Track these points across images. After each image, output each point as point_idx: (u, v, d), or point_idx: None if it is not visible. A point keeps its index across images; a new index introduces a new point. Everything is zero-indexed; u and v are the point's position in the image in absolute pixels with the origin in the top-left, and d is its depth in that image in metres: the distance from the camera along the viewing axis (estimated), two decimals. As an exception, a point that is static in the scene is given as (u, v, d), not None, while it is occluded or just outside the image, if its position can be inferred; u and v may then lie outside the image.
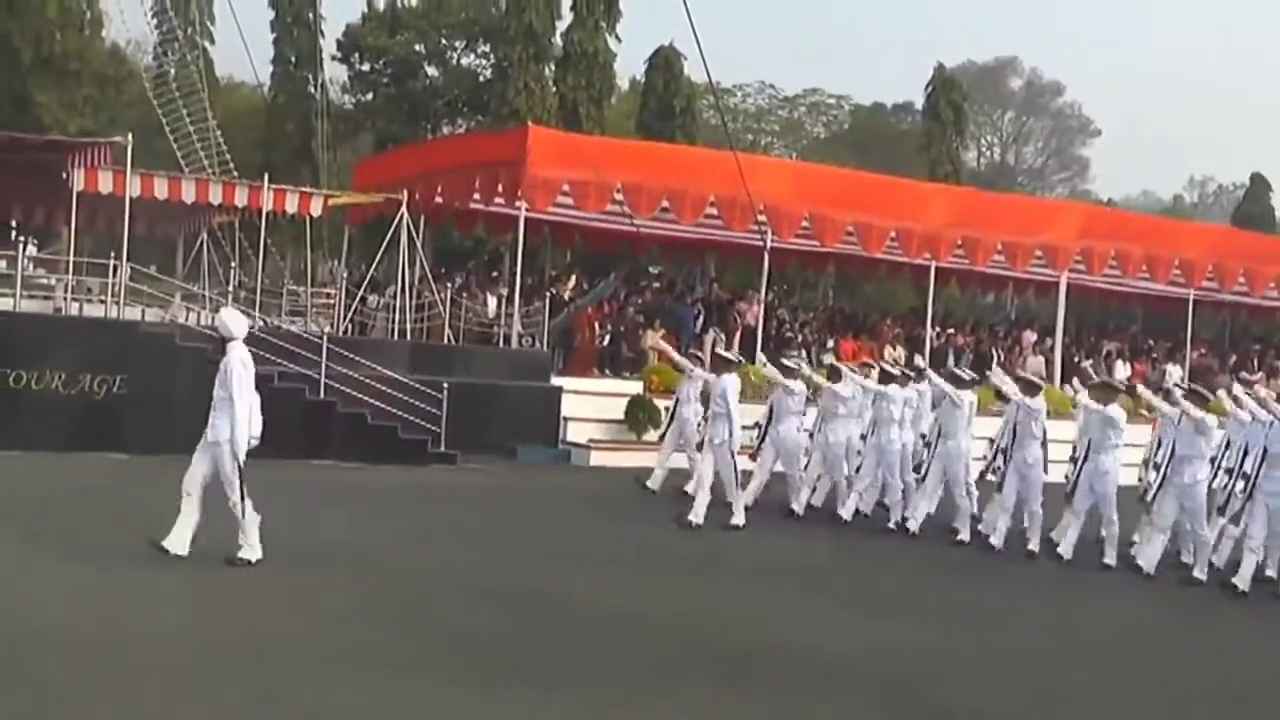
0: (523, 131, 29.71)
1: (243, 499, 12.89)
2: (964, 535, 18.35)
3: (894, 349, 32.62)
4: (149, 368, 22.30)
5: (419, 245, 28.62)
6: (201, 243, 30.21)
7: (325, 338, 23.64)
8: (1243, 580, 15.62)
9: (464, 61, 56.15)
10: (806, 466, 20.06)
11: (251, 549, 12.93)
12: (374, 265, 30.05)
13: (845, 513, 19.25)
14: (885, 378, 20.16)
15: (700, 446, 19.64)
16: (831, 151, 64.35)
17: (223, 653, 9.86)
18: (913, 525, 18.86)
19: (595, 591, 13.08)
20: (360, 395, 23.05)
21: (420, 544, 15.43)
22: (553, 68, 48.03)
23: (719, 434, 18.02)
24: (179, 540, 12.86)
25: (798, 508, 19.50)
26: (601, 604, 12.58)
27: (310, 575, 13.03)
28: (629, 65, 56.07)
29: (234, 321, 13.54)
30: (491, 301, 29.96)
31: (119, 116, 43.55)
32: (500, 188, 28.94)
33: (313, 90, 47.80)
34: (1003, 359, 34.29)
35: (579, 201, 28.32)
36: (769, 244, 30.31)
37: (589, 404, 26.06)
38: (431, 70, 55.68)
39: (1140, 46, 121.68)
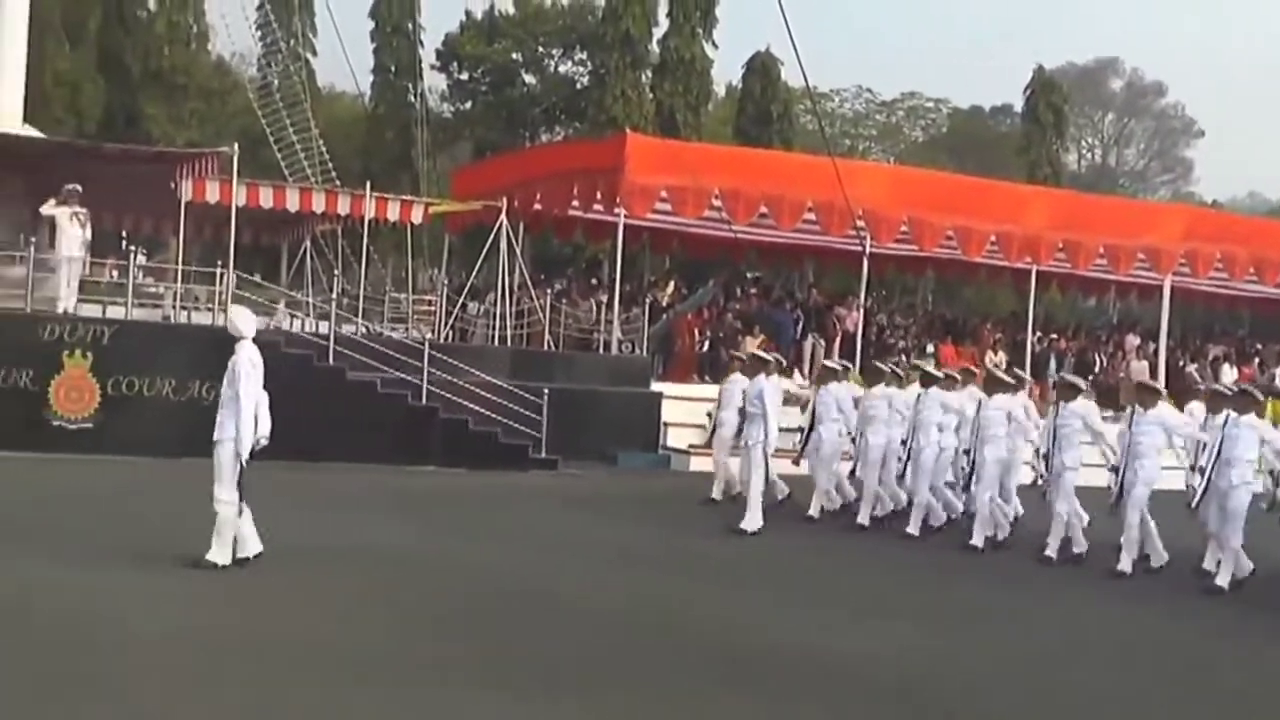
0: (621, 138, 29.83)
1: (241, 499, 12.83)
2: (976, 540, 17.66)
3: (995, 354, 32.36)
4: (255, 374, 22.66)
5: (518, 252, 28.84)
6: (305, 251, 30.61)
7: (427, 344, 23.89)
8: None
9: (561, 69, 56.53)
10: (853, 472, 19.81)
11: (221, 553, 12.75)
12: (474, 272, 30.32)
13: (861, 517, 18.95)
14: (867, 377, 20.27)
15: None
16: (930, 155, 63.98)
17: (272, 654, 9.99)
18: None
19: (651, 598, 13.06)
20: (461, 401, 23.27)
21: (495, 547, 15.50)
22: (650, 74, 48.19)
23: (755, 435, 17.91)
24: (246, 540, 12.95)
25: (814, 512, 19.28)
26: (655, 610, 12.52)
27: (382, 578, 13.22)
28: (726, 71, 56.16)
29: (243, 320, 13.60)
30: (591, 308, 30.13)
31: (225, 128, 44.25)
32: (599, 194, 29.07)
33: (412, 99, 48.28)
34: (1105, 364, 33.96)
35: (677, 207, 28.40)
36: (868, 249, 30.21)
37: (689, 409, 26.07)
38: (529, 78, 56.07)
39: (1244, 45, 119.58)
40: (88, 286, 23.98)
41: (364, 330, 25.11)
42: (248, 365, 13.23)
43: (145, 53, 46.07)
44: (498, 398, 23.17)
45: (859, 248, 30.34)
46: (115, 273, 26.06)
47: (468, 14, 56.06)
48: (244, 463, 13.00)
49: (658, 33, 48.12)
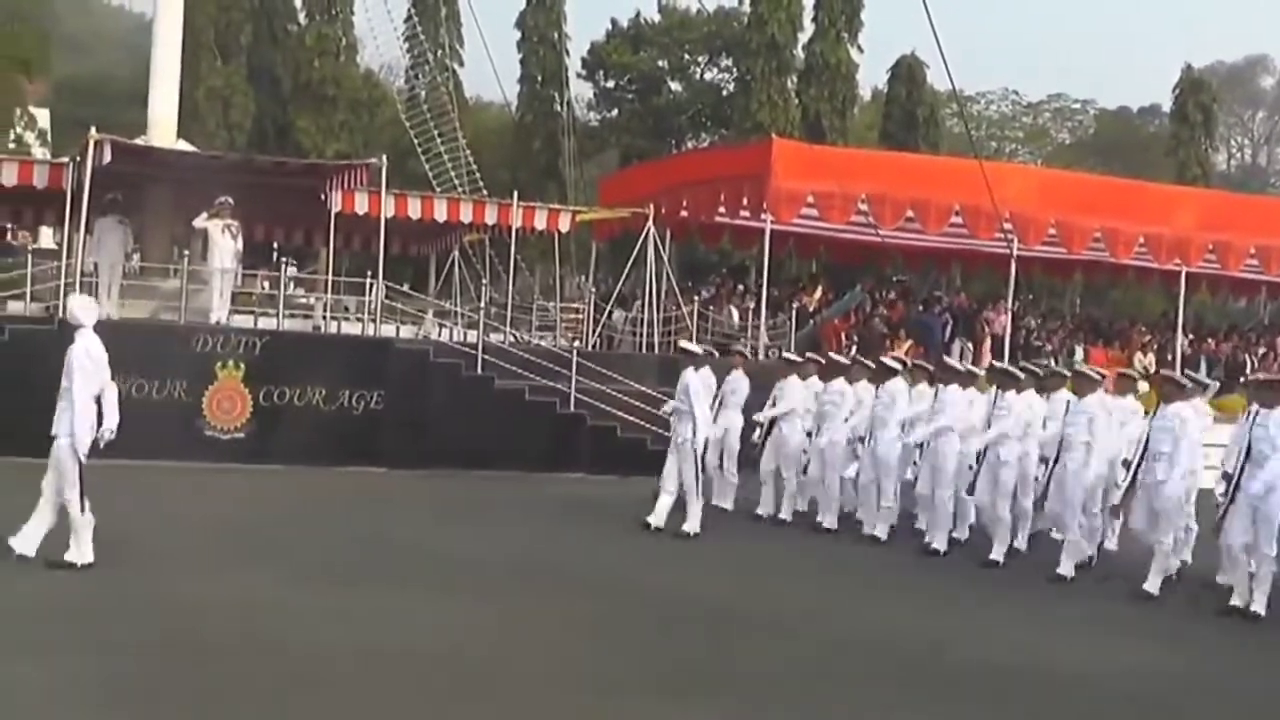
0: (767, 144, 29.62)
1: (81, 498, 12.45)
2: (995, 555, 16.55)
3: (1144, 356, 31.71)
4: (404, 383, 22.83)
5: (665, 259, 28.72)
6: (453, 260, 30.76)
7: (574, 352, 23.86)
8: None
9: (707, 76, 56.39)
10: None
11: (81, 552, 12.45)
12: (621, 280, 30.24)
13: (828, 520, 18.33)
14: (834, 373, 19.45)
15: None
16: (1077, 157, 63.02)
17: (445, 673, 9.95)
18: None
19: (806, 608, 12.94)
20: (609, 408, 23.20)
21: (645, 560, 15.49)
22: (795, 80, 47.88)
23: (683, 432, 17.14)
24: (25, 540, 12.57)
25: (785, 514, 18.88)
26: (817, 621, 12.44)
27: (533, 593, 13.18)
28: (871, 75, 55.67)
29: (81, 309, 13.04)
30: (737, 314, 29.91)
31: (373, 139, 44.74)
32: (745, 200, 28.92)
33: (558, 108, 48.37)
34: (1257, 366, 33.05)
35: (823, 213, 28.18)
36: (1015, 252, 29.71)
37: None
38: (675, 85, 56.02)
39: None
40: (240, 298, 24.27)
41: (512, 339, 25.13)
42: (83, 357, 12.67)
43: (295, 66, 46.78)
44: (645, 405, 23.04)
45: (1006, 251, 29.82)
46: (266, 284, 26.36)
47: (613, 22, 56.16)
48: (82, 460, 12.55)
49: (803, 38, 47.81)
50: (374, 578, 13.27)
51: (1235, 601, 13.81)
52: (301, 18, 48.00)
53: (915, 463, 17.61)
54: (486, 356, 23.48)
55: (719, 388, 19.18)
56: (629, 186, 34.24)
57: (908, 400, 17.91)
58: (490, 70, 51.56)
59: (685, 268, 37.70)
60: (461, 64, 48.06)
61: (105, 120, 25.44)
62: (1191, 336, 34.18)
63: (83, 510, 12.47)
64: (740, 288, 33.36)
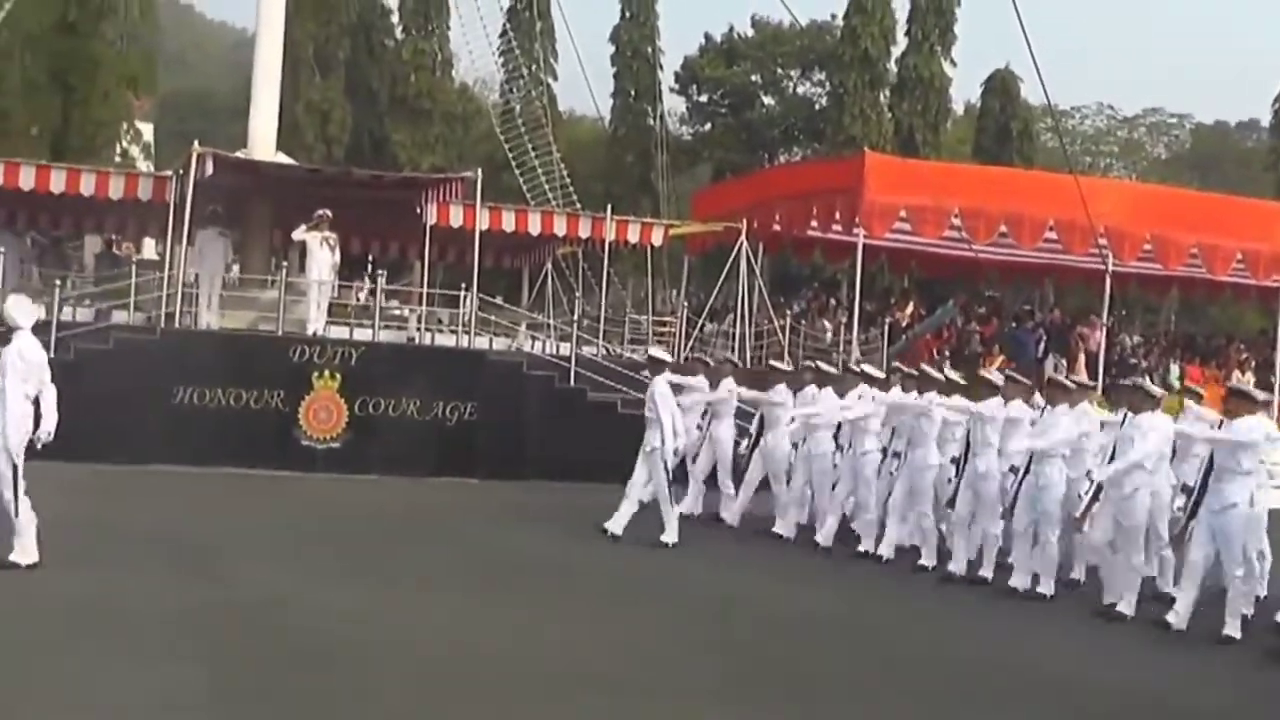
0: (860, 158, 29.57)
1: (16, 499, 12.35)
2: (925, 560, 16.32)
3: (1242, 374, 31.30)
4: (497, 395, 23.04)
5: (757, 273, 28.75)
6: (546, 273, 30.94)
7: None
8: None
9: (800, 90, 56.44)
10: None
11: (25, 552, 12.37)
12: (714, 293, 30.30)
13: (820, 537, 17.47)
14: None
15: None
16: (1173, 172, 62.41)
17: (542, 678, 10.05)
18: (783, 530, 18.09)
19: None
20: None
21: (727, 571, 15.60)
22: (888, 94, 47.75)
23: (652, 441, 16.75)
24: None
25: (783, 530, 18.26)
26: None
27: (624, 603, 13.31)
28: (965, 89, 55.59)
29: (18, 310, 12.85)
30: (829, 328, 29.87)
31: (467, 153, 45.11)
32: (837, 215, 28.83)
33: (652, 122, 48.57)
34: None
35: (916, 227, 28.09)
36: (1110, 267, 29.46)
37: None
38: (768, 99, 56.11)
39: None
40: (336, 309, 24.58)
41: (604, 351, 25.25)
42: (15, 358, 12.55)
43: (392, 80, 47.30)
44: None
45: (1101, 266, 29.57)
46: (362, 295, 26.69)
47: (707, 37, 56.37)
48: (16, 461, 12.45)
49: (896, 51, 47.71)
50: (471, 587, 13.46)
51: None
52: (398, 32, 48.51)
53: (950, 480, 16.20)
54: (579, 369, 23.63)
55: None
56: (721, 200, 34.31)
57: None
58: (584, 84, 51.69)
59: (777, 282, 37.69)
60: (555, 78, 48.42)
61: (207, 134, 25.90)
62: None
63: (17, 513, 12.37)
64: (833, 302, 33.31)
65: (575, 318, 25.20)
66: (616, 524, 16.79)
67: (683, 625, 12.25)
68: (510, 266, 32.76)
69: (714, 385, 19.53)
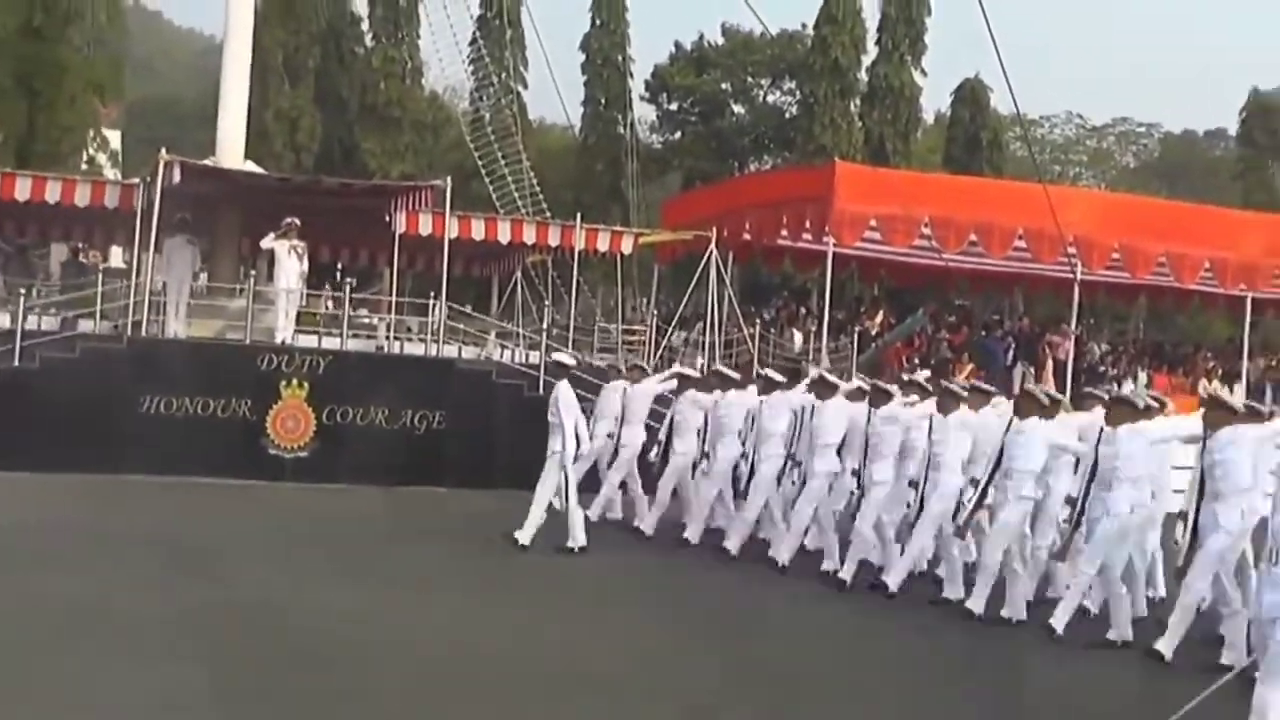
0: (830, 167, 29.66)
1: None
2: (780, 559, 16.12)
3: (1209, 382, 31.44)
4: (466, 404, 22.95)
5: (727, 281, 28.76)
6: (516, 281, 30.89)
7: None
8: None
9: (770, 98, 56.52)
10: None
11: None
12: (683, 302, 30.31)
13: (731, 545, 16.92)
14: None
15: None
16: (1142, 181, 62.81)
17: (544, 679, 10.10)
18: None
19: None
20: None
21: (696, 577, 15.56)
22: (858, 103, 47.87)
23: (553, 445, 16.58)
24: None
25: (692, 535, 17.74)
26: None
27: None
28: (935, 98, 55.77)
29: None
30: (799, 337, 29.89)
31: (437, 161, 45.01)
32: (808, 223, 28.91)
33: (622, 130, 48.60)
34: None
35: (886, 236, 28.16)
36: (1079, 276, 29.58)
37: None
38: (738, 108, 56.19)
39: None
40: (304, 318, 24.47)
41: (574, 360, 25.20)
42: None
43: (362, 88, 47.22)
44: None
45: (1070, 275, 29.71)
46: (331, 304, 26.59)
47: (677, 45, 56.42)
48: None
49: (866, 61, 47.82)
50: (464, 588, 13.73)
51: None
52: (368, 40, 48.44)
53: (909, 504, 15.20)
54: (549, 378, 23.56)
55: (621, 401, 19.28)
56: (691, 209, 34.35)
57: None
58: (554, 92, 51.72)
59: (747, 290, 37.71)
60: (525, 86, 48.41)
61: (175, 141, 25.75)
62: (1271, 362, 33.85)
63: None
64: (803, 311, 33.34)
65: (545, 326, 25.13)
66: (525, 534, 16.50)
67: (680, 627, 12.46)
68: (480, 275, 32.71)
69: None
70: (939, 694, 10.77)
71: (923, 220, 27.80)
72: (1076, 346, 30.87)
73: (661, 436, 18.89)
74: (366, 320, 26.27)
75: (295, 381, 22.44)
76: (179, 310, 23.83)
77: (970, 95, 49.60)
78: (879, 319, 32.42)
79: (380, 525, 17.61)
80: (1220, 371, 32.93)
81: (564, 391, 16.76)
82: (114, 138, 44.79)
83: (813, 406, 16.45)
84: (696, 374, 20.24)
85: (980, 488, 14.04)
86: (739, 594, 14.58)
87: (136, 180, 24.92)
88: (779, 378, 17.97)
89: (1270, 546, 7.67)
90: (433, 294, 24.78)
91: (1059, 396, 15.34)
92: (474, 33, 42.48)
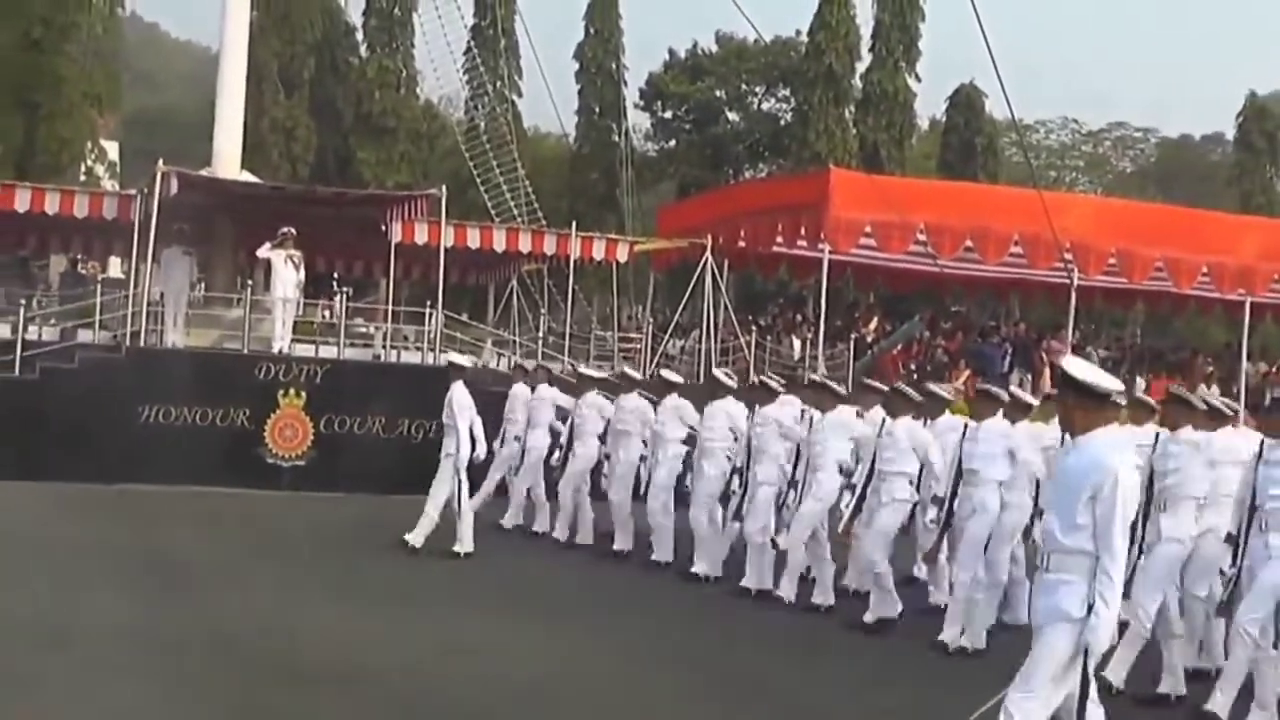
0: (825, 174, 29.73)
1: None
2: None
3: (1208, 387, 31.44)
4: (463, 412, 23.00)
5: (723, 289, 28.84)
6: (511, 290, 30.98)
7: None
8: None
9: (764, 106, 56.65)
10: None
11: None
12: (679, 310, 30.38)
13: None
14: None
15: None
16: (1138, 186, 62.83)
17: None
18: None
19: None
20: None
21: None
22: (853, 109, 47.99)
23: (448, 447, 16.47)
24: None
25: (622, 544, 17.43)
26: None
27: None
28: (929, 105, 55.78)
29: None
30: (796, 344, 29.96)
31: (433, 170, 45.15)
32: (803, 230, 28.90)
33: (616, 138, 48.69)
34: (1324, 397, 32.76)
35: (882, 243, 28.15)
36: (1075, 281, 29.61)
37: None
38: (732, 115, 56.30)
39: None
40: (301, 327, 24.57)
41: (569, 368, 25.29)
42: None
43: (357, 98, 47.35)
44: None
45: (1066, 280, 29.73)
46: (327, 313, 26.68)
47: (671, 53, 56.56)
48: None
49: (860, 67, 47.96)
50: (440, 602, 13.61)
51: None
52: (363, 50, 48.59)
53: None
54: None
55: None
56: (686, 216, 34.39)
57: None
58: (548, 101, 51.55)
59: (743, 298, 37.85)
60: (520, 95, 48.60)
61: (172, 152, 25.85)
62: (1272, 367, 33.87)
63: None
64: (799, 318, 33.40)
65: (540, 334, 25.22)
66: (416, 536, 16.36)
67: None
68: (475, 283, 32.81)
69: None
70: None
71: (918, 226, 27.79)
72: (1073, 352, 30.86)
73: (563, 440, 18.61)
74: (363, 329, 26.36)
75: (293, 390, 22.54)
76: (177, 320, 23.95)
77: (965, 101, 49.73)
78: (874, 325, 32.47)
79: (374, 535, 17.63)
80: (1218, 376, 32.93)
81: (458, 393, 16.57)
82: (112, 149, 44.87)
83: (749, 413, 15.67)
84: (601, 375, 20.06)
85: (857, 490, 13.58)
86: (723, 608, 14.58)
87: (134, 191, 25.08)
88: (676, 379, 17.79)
89: (1043, 551, 7.44)
90: (429, 302, 24.88)
91: (945, 395, 14.58)
92: (468, 42, 42.63)
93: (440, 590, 14.33)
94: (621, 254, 28.45)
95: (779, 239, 30.07)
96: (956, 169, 47.38)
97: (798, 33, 51.17)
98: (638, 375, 19.04)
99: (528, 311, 30.18)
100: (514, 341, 26.58)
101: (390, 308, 26.17)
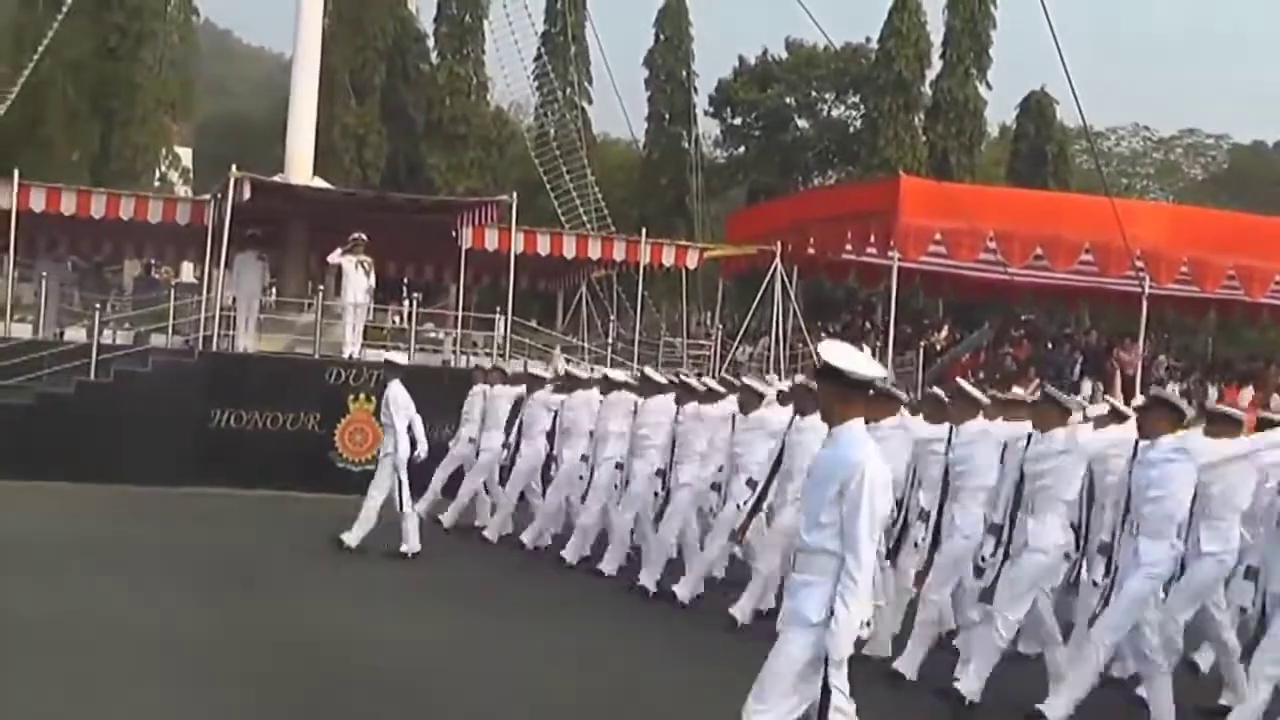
0: (894, 181, 29.61)
1: None
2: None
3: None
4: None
5: (792, 296, 28.78)
6: (580, 296, 31.02)
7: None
8: None
9: (834, 113, 56.41)
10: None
11: None
12: (748, 316, 30.33)
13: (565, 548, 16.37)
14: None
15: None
16: (1210, 193, 61.96)
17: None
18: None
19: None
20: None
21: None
22: (923, 116, 47.72)
23: (385, 447, 16.39)
24: None
25: (526, 537, 17.38)
26: None
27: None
28: (999, 111, 55.32)
29: None
30: (865, 352, 29.83)
31: (503, 176, 45.20)
32: (872, 237, 28.84)
33: (686, 145, 48.69)
34: None
35: (951, 250, 28.02)
36: (1146, 290, 29.33)
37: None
38: (802, 122, 56.13)
39: None
40: (372, 332, 24.70)
41: (638, 374, 25.28)
42: None
43: (427, 104, 47.50)
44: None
45: (1137, 289, 29.44)
46: (397, 319, 26.82)
47: (741, 60, 56.42)
48: None
49: (931, 74, 47.65)
50: (508, 607, 13.58)
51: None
52: (434, 57, 48.72)
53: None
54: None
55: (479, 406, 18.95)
56: (756, 223, 34.36)
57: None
58: (618, 107, 51.81)
59: (811, 304, 37.69)
60: (590, 101, 48.62)
61: (244, 158, 26.07)
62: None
63: None
64: (867, 325, 33.26)
65: (609, 341, 25.23)
66: (353, 536, 16.19)
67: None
68: (545, 290, 32.87)
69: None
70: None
71: (988, 234, 27.65)
72: (1144, 362, 30.56)
73: (510, 440, 18.35)
74: (433, 335, 26.46)
75: (363, 395, 22.67)
76: (249, 324, 24.18)
77: (1035, 108, 49.29)
78: (944, 334, 32.30)
79: (443, 539, 17.68)
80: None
81: (395, 392, 16.45)
82: (185, 155, 45.33)
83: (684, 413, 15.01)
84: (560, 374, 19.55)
85: (757, 490, 12.69)
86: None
87: (207, 197, 25.31)
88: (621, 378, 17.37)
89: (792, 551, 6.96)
90: (498, 309, 24.95)
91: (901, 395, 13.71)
92: (538, 48, 42.67)
93: (510, 595, 14.33)
94: (691, 260, 28.46)
95: (848, 246, 30.01)
96: (1026, 176, 46.95)
97: (868, 39, 50.96)
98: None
99: (597, 318, 30.19)
100: (583, 348, 26.60)
101: (460, 313, 26.26)
